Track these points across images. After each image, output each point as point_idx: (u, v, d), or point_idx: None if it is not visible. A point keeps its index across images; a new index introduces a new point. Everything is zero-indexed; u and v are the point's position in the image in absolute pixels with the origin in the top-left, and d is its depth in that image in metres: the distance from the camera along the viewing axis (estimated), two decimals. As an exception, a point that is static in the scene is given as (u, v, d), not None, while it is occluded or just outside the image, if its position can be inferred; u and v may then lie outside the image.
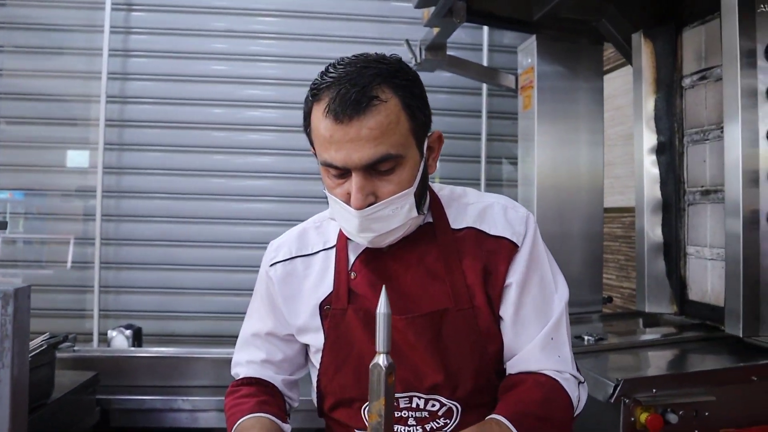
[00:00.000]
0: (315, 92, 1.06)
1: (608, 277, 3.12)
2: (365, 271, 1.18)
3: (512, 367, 1.16)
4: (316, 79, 1.08)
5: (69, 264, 3.31)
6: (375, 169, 1.05)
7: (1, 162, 3.31)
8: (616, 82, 3.04)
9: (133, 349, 2.90)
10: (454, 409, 1.15)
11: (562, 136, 2.51)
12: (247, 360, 1.30)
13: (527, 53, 2.55)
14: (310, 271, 1.23)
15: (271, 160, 3.46)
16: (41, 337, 2.00)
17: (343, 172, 1.06)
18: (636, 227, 2.37)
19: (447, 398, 1.14)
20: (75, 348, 2.87)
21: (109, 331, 2.95)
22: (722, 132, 2.02)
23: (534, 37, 2.50)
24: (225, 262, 3.38)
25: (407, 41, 2.58)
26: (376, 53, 1.11)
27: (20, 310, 1.32)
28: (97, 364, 2.66)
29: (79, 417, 2.36)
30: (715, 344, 2.05)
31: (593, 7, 2.34)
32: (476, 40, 3.46)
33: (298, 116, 3.49)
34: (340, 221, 1.13)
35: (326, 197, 1.14)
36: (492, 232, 1.17)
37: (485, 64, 3.39)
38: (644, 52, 2.30)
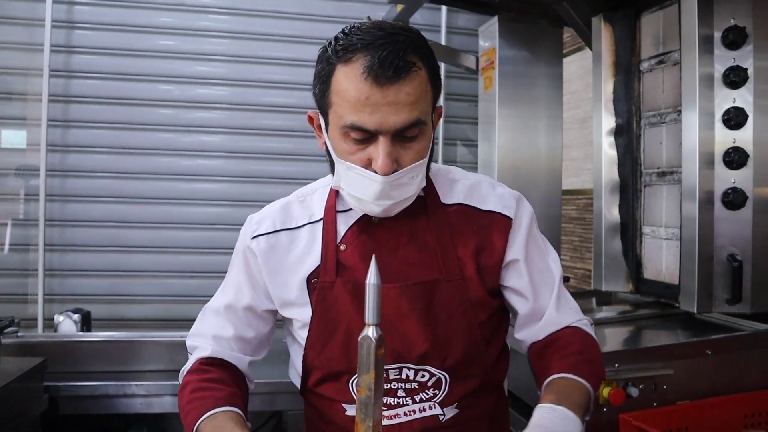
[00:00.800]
0: (342, 53, 1.03)
1: (563, 258, 3.19)
2: (356, 242, 1.17)
3: (539, 331, 1.22)
4: (341, 41, 1.05)
5: (6, 248, 3.14)
6: (401, 135, 1.05)
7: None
8: (572, 67, 3.09)
9: (81, 333, 2.78)
10: (443, 379, 1.16)
11: (522, 118, 2.53)
12: (213, 334, 1.23)
13: (488, 34, 2.56)
14: (295, 245, 1.21)
15: (221, 138, 3.37)
16: (-14, 322, 1.89)
17: (367, 137, 1.05)
18: (594, 208, 2.42)
19: (437, 368, 1.15)
20: (19, 333, 2.74)
21: (55, 316, 2.82)
22: (678, 115, 2.07)
23: (496, 18, 2.50)
24: (175, 244, 3.29)
25: (369, 18, 2.54)
26: (392, 23, 1.10)
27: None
28: (44, 350, 2.54)
29: (26, 405, 2.25)
30: (670, 321, 2.12)
31: (555, -11, 2.36)
32: (434, 22, 3.45)
33: (250, 94, 3.39)
34: (352, 189, 1.10)
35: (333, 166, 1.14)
36: (483, 207, 1.20)
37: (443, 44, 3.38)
38: (603, 35, 2.34)
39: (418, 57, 1.04)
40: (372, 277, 0.85)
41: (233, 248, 1.28)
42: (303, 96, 3.36)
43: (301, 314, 1.19)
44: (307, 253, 1.19)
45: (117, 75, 3.24)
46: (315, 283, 1.17)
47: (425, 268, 1.15)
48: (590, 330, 1.23)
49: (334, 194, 1.20)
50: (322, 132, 1.14)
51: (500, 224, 1.19)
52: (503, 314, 1.27)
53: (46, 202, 3.10)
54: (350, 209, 1.18)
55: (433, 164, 1.25)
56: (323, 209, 1.22)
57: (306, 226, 1.22)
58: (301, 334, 1.20)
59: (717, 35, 1.90)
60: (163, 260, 3.27)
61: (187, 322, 3.13)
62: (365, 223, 1.18)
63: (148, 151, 3.26)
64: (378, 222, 1.17)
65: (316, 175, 1.30)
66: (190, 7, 3.33)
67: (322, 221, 1.21)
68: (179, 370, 1.24)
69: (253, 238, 1.22)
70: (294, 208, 1.25)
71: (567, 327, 1.21)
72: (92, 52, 3.22)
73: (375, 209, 1.11)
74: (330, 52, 1.05)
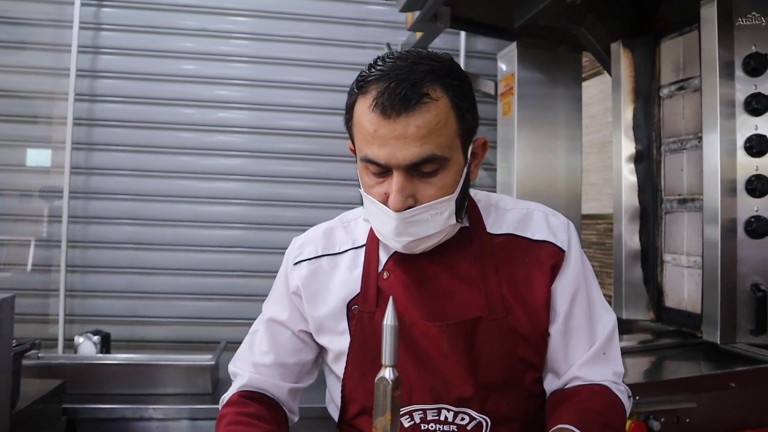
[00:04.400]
0: (361, 84, 1.01)
1: (582, 283, 3.14)
2: (398, 271, 1.13)
3: (562, 382, 1.13)
4: (363, 71, 1.03)
5: (29, 266, 3.18)
6: (417, 170, 1.00)
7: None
8: (591, 91, 3.08)
9: (100, 355, 2.80)
10: (484, 423, 1.09)
11: (541, 142, 2.52)
12: (254, 361, 1.21)
13: (507, 60, 2.57)
14: (337, 270, 1.18)
15: (241, 162, 3.39)
16: (7, 345, 1.91)
17: (384, 171, 1.01)
18: (614, 234, 2.40)
19: (477, 412, 1.09)
20: (40, 355, 2.76)
21: (75, 337, 2.85)
22: (699, 141, 2.05)
23: (515, 44, 2.51)
24: (195, 266, 3.30)
25: (388, 44, 2.56)
26: (428, 50, 1.06)
27: (4, 322, 1.25)
28: (64, 372, 2.56)
29: (44, 427, 2.26)
30: (692, 351, 2.08)
31: (573, 16, 2.36)
32: (453, 46, 3.46)
33: (269, 118, 3.41)
34: (374, 223, 1.08)
35: (356, 199, 1.11)
36: (534, 237, 1.13)
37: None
38: (623, 61, 2.33)
39: (440, 87, 0.99)
40: (389, 318, 0.84)
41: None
42: (322, 119, 3.38)
43: (336, 343, 1.16)
44: (347, 278, 1.16)
45: (141, 99, 3.29)
46: (355, 309, 1.13)
47: (468, 304, 1.09)
48: (623, 397, 1.12)
49: None
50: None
51: (550, 255, 1.11)
52: None
53: (68, 224, 3.14)
54: None
55: (481, 193, 1.22)
56: (367, 235, 1.18)
57: (349, 252, 1.19)
58: (335, 368, 1.18)
59: (738, 62, 1.88)
60: (182, 282, 3.28)
61: (204, 344, 3.15)
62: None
63: (169, 173, 3.29)
64: (420, 252, 1.10)
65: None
66: (212, 32, 3.38)
67: (364, 247, 1.17)
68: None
69: (296, 264, 1.20)
70: (337, 233, 1.22)
71: (596, 384, 1.10)
72: (116, 77, 3.27)
73: (395, 245, 1.07)
74: (354, 82, 1.04)
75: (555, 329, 1.12)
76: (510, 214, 1.16)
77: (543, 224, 1.14)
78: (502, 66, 2.61)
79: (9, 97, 3.19)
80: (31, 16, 3.18)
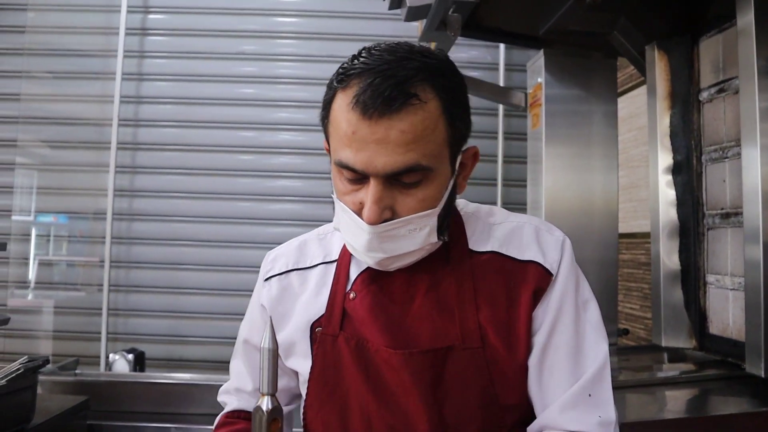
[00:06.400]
0: (342, 77, 0.90)
1: (632, 306, 2.91)
2: (366, 291, 1.02)
3: (537, 427, 0.97)
4: (345, 63, 0.92)
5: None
6: (397, 180, 0.90)
7: (21, 185, 3.38)
8: (639, 100, 2.87)
9: (131, 374, 2.86)
10: None
11: (571, 157, 2.34)
12: (236, 387, 1.16)
13: (535, 70, 2.42)
14: (305, 286, 1.08)
15: (288, 183, 3.39)
16: (18, 361, 1.96)
17: (360, 178, 0.91)
18: (651, 253, 2.19)
19: None
20: (77, 372, 2.86)
21: (110, 355, 2.93)
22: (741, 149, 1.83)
23: (541, 52, 2.36)
24: (236, 287, 3.32)
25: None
26: (420, 44, 0.94)
27: None
28: (95, 389, 2.64)
29: (67, 443, 2.30)
30: (736, 384, 1.84)
31: (603, 18, 2.19)
32: (493, 59, 3.35)
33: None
34: (345, 234, 0.97)
35: (334, 204, 0.99)
36: (520, 257, 1.00)
37: (501, 83, 3.26)
38: (658, 65, 2.14)
39: (430, 87, 0.87)
40: (266, 341, 0.75)
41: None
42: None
43: (302, 366, 1.06)
44: (315, 296, 1.06)
45: (181, 122, 3.37)
46: (318, 332, 1.03)
47: (440, 331, 0.96)
48: None
49: None
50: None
51: (535, 278, 0.98)
52: None
53: (112, 245, 3.23)
54: None
55: (472, 205, 1.10)
56: (340, 249, 1.08)
57: (319, 267, 1.09)
58: (304, 389, 1.07)
59: (780, 59, 1.67)
60: (220, 302, 3.30)
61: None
62: (379, 270, 1.00)
63: (207, 194, 3.34)
64: (394, 270, 1.00)
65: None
66: (260, 55, 3.41)
67: (336, 263, 1.08)
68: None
69: (266, 280, 1.11)
70: (311, 246, 1.12)
71: None
72: (160, 102, 3.38)
73: (367, 260, 0.97)
74: (334, 75, 0.93)
75: (531, 363, 0.97)
76: (498, 228, 1.03)
77: (532, 241, 1.01)
78: (531, 76, 2.47)
79: (67, 124, 3.36)
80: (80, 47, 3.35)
